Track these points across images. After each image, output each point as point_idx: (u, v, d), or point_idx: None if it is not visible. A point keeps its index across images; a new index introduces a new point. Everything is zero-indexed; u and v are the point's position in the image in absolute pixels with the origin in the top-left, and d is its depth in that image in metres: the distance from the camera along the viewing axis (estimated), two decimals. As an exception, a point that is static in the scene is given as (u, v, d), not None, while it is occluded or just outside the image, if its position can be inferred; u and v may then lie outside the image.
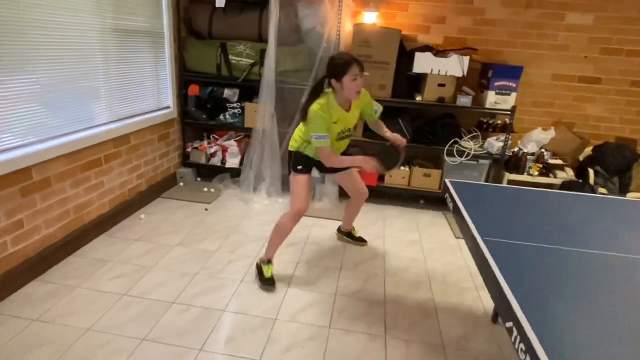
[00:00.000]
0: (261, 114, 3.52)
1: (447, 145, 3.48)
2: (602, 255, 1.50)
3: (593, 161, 3.56)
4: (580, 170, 3.61)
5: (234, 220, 3.22)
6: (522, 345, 1.06)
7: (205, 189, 3.73)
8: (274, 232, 2.38)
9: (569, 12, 3.51)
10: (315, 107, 2.14)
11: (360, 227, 3.18)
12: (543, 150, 3.65)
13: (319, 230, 3.16)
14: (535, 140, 3.66)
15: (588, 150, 3.68)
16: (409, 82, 3.57)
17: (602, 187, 3.47)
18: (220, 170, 3.89)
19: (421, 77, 3.55)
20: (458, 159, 3.46)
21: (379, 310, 2.26)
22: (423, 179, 3.63)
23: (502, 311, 1.21)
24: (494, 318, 2.25)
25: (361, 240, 2.99)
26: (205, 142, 3.89)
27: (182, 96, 3.71)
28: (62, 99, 2.41)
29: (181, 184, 3.83)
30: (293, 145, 2.39)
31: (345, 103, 2.27)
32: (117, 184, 2.97)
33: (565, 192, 2.21)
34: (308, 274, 2.56)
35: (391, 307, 2.29)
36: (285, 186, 3.75)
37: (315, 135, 2.14)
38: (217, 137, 3.91)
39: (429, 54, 3.38)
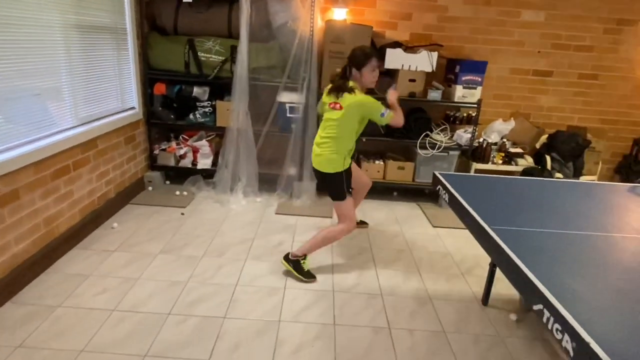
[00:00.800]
0: (235, 113, 3.43)
1: (420, 139, 3.60)
2: (599, 236, 1.63)
3: (549, 148, 3.85)
4: (538, 157, 3.90)
5: (213, 223, 3.12)
6: (557, 325, 1.13)
7: (178, 193, 3.58)
8: (323, 238, 2.41)
9: (524, 9, 3.75)
10: (359, 94, 2.26)
11: (343, 222, 3.22)
12: (504, 140, 3.89)
13: (303, 228, 3.15)
14: (497, 130, 3.89)
15: (543, 138, 3.98)
16: (381, 78, 3.63)
17: (559, 172, 3.77)
18: (191, 172, 3.75)
19: (392, 73, 3.63)
20: (431, 152, 3.60)
21: (378, 303, 2.30)
22: (397, 171, 3.74)
23: (527, 294, 1.29)
24: (484, 300, 2.38)
25: (363, 223, 3.22)
26: (173, 144, 3.72)
27: (147, 96, 3.51)
28: (23, 102, 2.20)
29: (150, 188, 3.64)
30: (331, 166, 2.34)
31: (362, 91, 2.37)
32: (86, 192, 2.77)
33: (547, 179, 2.39)
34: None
35: (388, 299, 2.35)
36: (266, 186, 3.70)
37: (384, 111, 2.28)
38: (186, 137, 3.75)
39: (399, 50, 3.46)
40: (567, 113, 4.09)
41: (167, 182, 3.81)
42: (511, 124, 3.88)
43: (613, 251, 1.51)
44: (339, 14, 3.65)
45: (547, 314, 1.18)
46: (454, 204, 1.95)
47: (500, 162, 3.81)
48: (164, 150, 3.69)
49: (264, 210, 3.41)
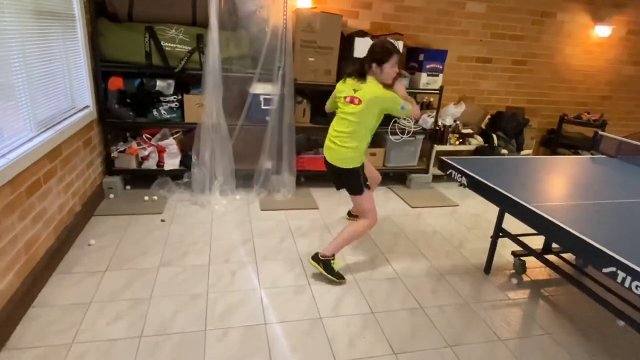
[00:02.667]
0: (208, 107, 3.19)
1: (390, 125, 3.75)
2: (629, 202, 1.90)
3: (495, 127, 4.30)
4: (485, 136, 4.33)
5: (201, 227, 2.91)
6: (635, 283, 1.33)
7: (147, 198, 3.24)
8: (348, 236, 2.37)
9: (468, 1, 4.07)
10: (378, 89, 2.23)
11: (329, 212, 3.26)
12: (457, 122, 4.24)
13: (296, 222, 3.10)
14: (450, 114, 4.21)
15: (487, 119, 4.42)
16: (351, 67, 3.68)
17: (504, 148, 4.24)
18: (155, 174, 3.42)
19: (357, 62, 3.69)
20: (401, 137, 3.77)
21: (400, 285, 2.40)
22: (370, 158, 3.85)
23: (594, 260, 1.47)
24: (486, 270, 2.63)
25: (354, 216, 3.19)
26: (134, 144, 3.34)
27: (101, 92, 3.08)
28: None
29: (111, 196, 3.24)
30: (349, 162, 2.32)
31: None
32: (56, 208, 2.38)
33: (551, 157, 2.68)
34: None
35: (408, 280, 2.46)
36: (242, 182, 3.53)
37: (403, 104, 2.25)
38: (149, 136, 3.39)
39: (367, 39, 3.53)
40: (502, 95, 4.59)
41: (128, 187, 3.43)
42: (462, 107, 4.23)
43: None
44: (304, 2, 3.58)
45: (621, 274, 1.38)
46: (478, 186, 2.10)
47: (457, 142, 4.16)
48: (122, 152, 3.30)
49: (248, 208, 3.27)
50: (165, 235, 2.76)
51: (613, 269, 1.40)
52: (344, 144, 2.30)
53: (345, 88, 2.34)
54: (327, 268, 2.34)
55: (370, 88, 2.24)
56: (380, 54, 2.26)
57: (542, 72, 4.58)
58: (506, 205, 1.91)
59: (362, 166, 2.38)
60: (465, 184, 2.21)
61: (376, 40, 2.33)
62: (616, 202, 1.92)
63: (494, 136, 4.23)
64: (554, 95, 4.74)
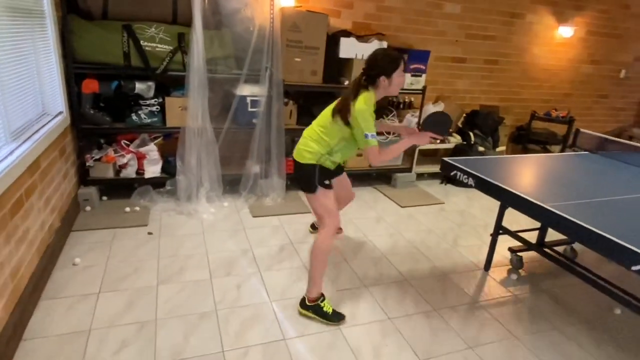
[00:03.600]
0: (192, 110, 3.02)
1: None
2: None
3: (472, 126, 4.43)
4: (462, 134, 4.45)
5: (194, 238, 2.75)
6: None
7: (128, 209, 3.02)
8: (317, 259, 2.05)
9: (445, 2, 4.15)
10: (363, 105, 1.92)
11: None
12: (436, 121, 4.31)
13: (292, 227, 3.01)
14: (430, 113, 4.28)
15: (461, 118, 4.54)
16: (338, 67, 3.63)
17: (481, 145, 4.38)
18: (134, 183, 3.19)
19: (344, 62, 3.65)
20: (388, 137, 3.78)
21: (409, 289, 2.40)
22: (357, 159, 3.83)
23: (623, 258, 1.53)
24: (486, 267, 2.69)
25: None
26: (110, 152, 3.09)
27: (75, 96, 2.82)
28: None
29: (88, 208, 2.98)
30: (309, 157, 2.06)
31: (376, 102, 2.08)
32: (38, 226, 2.14)
33: (554, 154, 2.77)
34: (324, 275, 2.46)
35: (415, 283, 2.46)
36: (228, 188, 3.39)
37: (370, 134, 1.92)
38: (127, 142, 3.15)
39: (353, 39, 3.50)
40: (476, 94, 4.74)
41: (104, 198, 3.18)
42: (441, 106, 4.32)
43: None
44: (288, 1, 3.48)
45: (651, 271, 1.44)
46: (486, 186, 2.13)
47: (437, 141, 4.24)
48: (98, 160, 3.04)
49: (238, 215, 3.14)
50: (155, 249, 2.58)
51: (641, 266, 1.46)
52: (308, 135, 2.10)
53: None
54: (319, 313, 2.05)
55: (361, 102, 1.95)
56: (387, 64, 1.98)
57: (512, 71, 4.78)
58: (522, 207, 1.94)
59: (322, 169, 2.09)
60: (473, 184, 2.23)
61: (376, 51, 2.05)
62: (622, 198, 2.02)
63: (471, 134, 4.36)
64: (523, 93, 4.96)
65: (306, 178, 2.10)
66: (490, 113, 4.39)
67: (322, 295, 2.09)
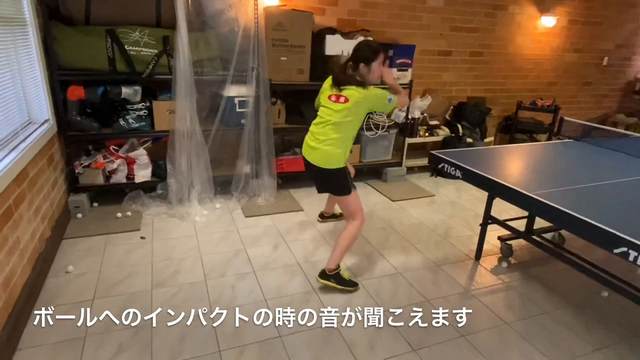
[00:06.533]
0: (181, 113, 3.01)
1: (364, 122, 3.77)
2: (625, 181, 2.04)
3: (459, 118, 4.47)
4: (450, 126, 4.49)
5: (187, 241, 2.76)
6: (647, 260, 1.43)
7: (119, 215, 3.01)
8: (346, 242, 2.30)
9: (428, -4, 4.18)
10: (364, 90, 2.14)
11: (315, 212, 3.22)
12: (424, 114, 4.36)
13: (285, 226, 3.03)
14: (418, 107, 4.32)
15: (449, 111, 4.58)
16: (324, 64, 3.64)
17: (469, 137, 4.43)
18: (124, 188, 3.19)
19: (330, 59, 3.66)
20: (377, 132, 3.81)
21: (402, 281, 2.43)
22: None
23: (605, 242, 1.57)
24: (477, 256, 2.73)
25: (337, 217, 3.17)
26: (99, 157, 3.08)
27: (60, 103, 2.80)
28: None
29: (79, 215, 2.97)
30: (333, 162, 2.22)
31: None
32: (29, 236, 2.14)
33: (538, 143, 2.81)
34: (317, 270, 2.48)
35: (407, 275, 2.49)
36: (220, 189, 3.39)
37: (390, 97, 2.20)
38: (116, 148, 3.14)
39: (338, 36, 3.52)
40: (462, 86, 4.78)
41: (95, 204, 3.16)
42: (428, 99, 4.35)
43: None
44: (271, 0, 3.48)
45: (633, 253, 1.48)
46: (473, 177, 2.17)
47: (426, 134, 4.28)
48: (87, 166, 3.03)
49: (231, 216, 3.15)
50: (149, 254, 2.58)
51: (624, 249, 1.50)
52: (328, 143, 2.19)
53: (329, 87, 2.27)
54: (339, 281, 2.27)
55: (356, 90, 2.15)
56: (366, 52, 2.19)
57: (497, 63, 4.83)
58: (511, 197, 1.98)
59: (346, 166, 2.30)
60: (460, 176, 2.27)
61: (361, 41, 2.30)
62: (605, 184, 2.07)
63: (459, 126, 4.40)
64: (508, 83, 5.01)
65: (338, 182, 2.29)
66: (477, 104, 4.43)
67: (339, 265, 2.30)
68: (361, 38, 3.56)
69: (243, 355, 1.81)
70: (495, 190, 2.07)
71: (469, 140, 4.41)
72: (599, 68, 5.54)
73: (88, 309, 2.03)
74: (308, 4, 3.73)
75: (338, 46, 3.52)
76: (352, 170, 2.60)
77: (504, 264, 2.67)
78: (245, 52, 3.16)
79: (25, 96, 2.49)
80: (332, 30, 3.58)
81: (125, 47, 2.84)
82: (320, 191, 2.51)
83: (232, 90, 3.23)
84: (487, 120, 4.51)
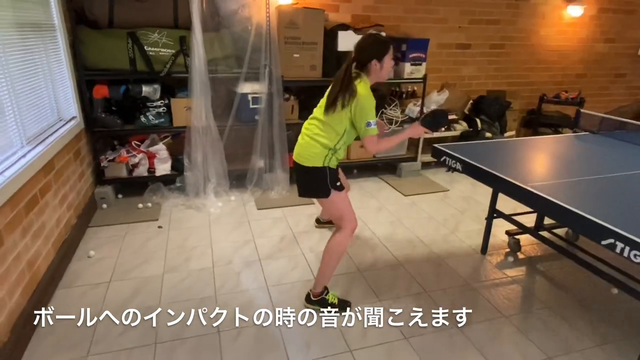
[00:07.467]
0: (196, 110, 3.17)
1: (378, 116, 3.79)
2: (621, 175, 2.00)
3: (477, 112, 4.40)
4: (469, 120, 4.42)
5: (200, 231, 2.91)
6: (634, 253, 1.41)
7: (141, 206, 3.21)
8: (331, 259, 2.06)
9: (445, -11, 4.14)
10: (363, 90, 1.87)
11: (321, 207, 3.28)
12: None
13: (294, 219, 3.13)
14: (435, 101, 4.28)
15: (468, 105, 4.51)
16: (336, 61, 3.70)
17: (488, 131, 4.35)
18: (146, 181, 3.39)
19: (343, 55, 3.71)
20: (389, 127, 3.83)
21: (403, 273, 2.46)
22: (360, 150, 3.89)
23: (594, 233, 1.55)
24: (483, 250, 2.72)
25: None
26: (123, 152, 3.29)
27: (87, 101, 3.03)
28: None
29: (104, 206, 3.20)
30: (315, 160, 1.96)
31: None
32: (54, 222, 2.34)
33: (548, 136, 2.76)
34: (320, 261, 2.56)
35: (409, 267, 2.52)
36: (235, 182, 3.54)
37: (373, 122, 1.89)
38: (138, 143, 3.35)
39: (350, 32, 3.56)
40: (483, 80, 4.69)
41: (120, 195, 3.39)
42: (445, 93, 4.31)
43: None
44: (285, -1, 3.57)
45: (620, 245, 1.46)
46: (472, 170, 2.17)
47: (442, 129, 4.24)
48: (112, 160, 3.25)
49: (244, 208, 3.28)
50: (164, 242, 2.75)
51: (611, 240, 1.48)
52: (310, 137, 1.98)
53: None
54: (324, 305, 2.08)
55: (361, 88, 1.89)
56: (377, 47, 1.95)
57: (519, 55, 4.70)
58: (504, 187, 1.98)
59: (333, 170, 2.01)
60: (460, 169, 2.27)
61: (365, 36, 2.02)
62: (607, 177, 2.02)
63: (478, 120, 4.33)
64: (532, 76, 4.86)
65: (315, 183, 2.01)
66: (496, 98, 4.34)
67: (326, 288, 2.12)
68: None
69: (239, 337, 1.91)
70: (492, 182, 2.06)
71: (488, 134, 4.34)
72: (633, 58, 5.26)
73: (104, 290, 2.20)
74: (322, 1, 3.79)
75: (350, 42, 3.52)
76: (344, 182, 2.36)
77: (511, 259, 2.64)
78: (257, 50, 3.27)
79: (55, 96, 2.72)
80: (345, 27, 3.63)
81: (145, 47, 3.02)
82: (300, 193, 2.13)
83: (246, 87, 3.36)
84: (508, 114, 4.40)
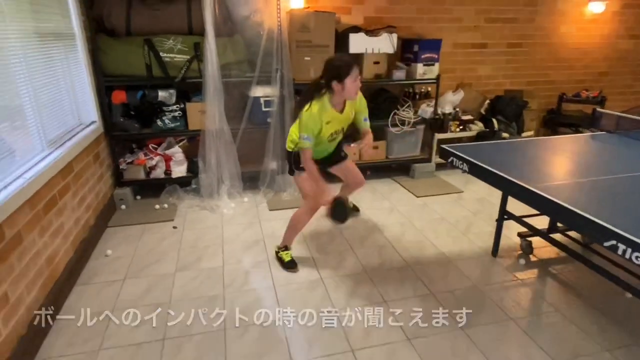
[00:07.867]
0: (210, 113, 3.26)
1: (390, 118, 3.79)
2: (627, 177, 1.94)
3: (494, 112, 4.32)
4: (485, 121, 4.35)
5: (213, 231, 2.98)
6: (636, 255, 1.38)
7: (157, 207, 3.32)
8: (291, 225, 2.51)
9: (459, -12, 4.09)
10: (310, 110, 2.17)
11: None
12: (457, 109, 4.27)
13: (304, 219, 3.16)
14: (449, 101, 4.24)
15: (486, 104, 4.44)
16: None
17: (505, 132, 4.27)
18: (163, 183, 3.50)
19: (355, 58, 3.73)
20: (402, 128, 3.82)
21: (410, 273, 2.46)
22: (372, 151, 3.90)
23: (596, 235, 1.52)
24: (494, 252, 2.68)
25: (356, 210, 3.25)
26: (141, 155, 3.41)
27: (105, 106, 3.16)
28: None
29: (123, 207, 3.32)
30: (290, 146, 2.45)
31: (338, 105, 2.27)
32: (72, 222, 2.46)
33: (559, 136, 2.71)
34: (327, 261, 2.59)
35: (417, 269, 2.52)
36: (248, 184, 3.61)
37: (304, 136, 2.18)
38: (155, 146, 3.47)
39: (362, 34, 3.58)
40: (500, 79, 4.61)
41: (138, 197, 3.51)
42: (461, 94, 4.26)
43: None
44: (297, 2, 3.62)
45: (621, 246, 1.42)
46: (479, 171, 2.15)
47: (457, 130, 4.19)
48: (130, 163, 3.38)
49: (256, 209, 3.34)
50: (178, 241, 2.84)
51: (614, 242, 1.45)
52: (292, 136, 2.43)
53: None
54: (277, 256, 2.58)
55: (311, 107, 2.19)
56: (338, 68, 2.11)
57: (538, 53, 4.59)
58: (507, 188, 1.96)
59: (298, 155, 2.31)
60: (467, 170, 2.25)
61: (331, 57, 2.25)
62: (616, 177, 1.96)
63: (494, 121, 4.26)
64: (552, 75, 4.74)
65: (289, 162, 2.51)
66: (513, 98, 4.26)
67: (286, 247, 2.55)
68: (385, 35, 3.61)
69: (245, 334, 1.96)
70: (499, 184, 2.03)
71: (505, 135, 4.26)
72: (661, 54, 5.05)
73: (119, 288, 2.30)
74: (334, 4, 3.82)
75: (362, 44, 3.59)
76: (346, 179, 2.81)
77: (522, 261, 2.59)
78: (269, 54, 3.33)
79: (76, 101, 2.86)
80: (356, 29, 3.65)
81: (160, 54, 3.12)
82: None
83: (258, 91, 3.42)
84: (525, 114, 4.31)
